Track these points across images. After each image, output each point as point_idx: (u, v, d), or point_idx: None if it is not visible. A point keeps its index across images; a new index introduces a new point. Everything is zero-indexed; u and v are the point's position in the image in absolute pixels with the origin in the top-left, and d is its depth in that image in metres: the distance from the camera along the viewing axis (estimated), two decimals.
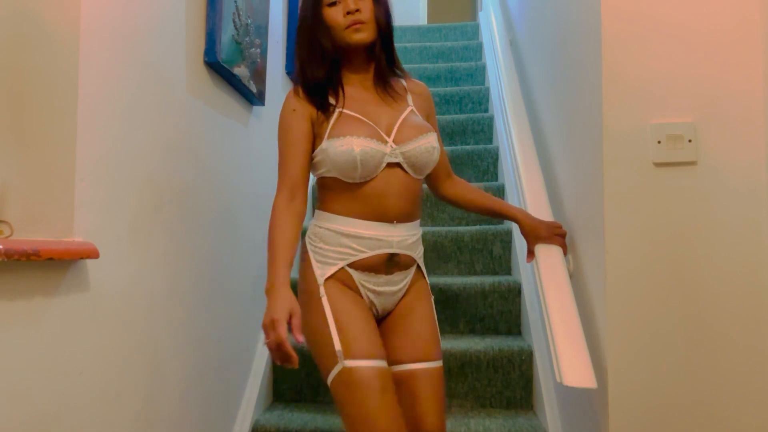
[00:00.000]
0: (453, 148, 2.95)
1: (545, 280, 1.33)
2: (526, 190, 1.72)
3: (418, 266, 1.35)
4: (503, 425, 1.76)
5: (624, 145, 1.19)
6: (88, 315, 1.06)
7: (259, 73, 1.91)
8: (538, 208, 1.62)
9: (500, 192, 2.67)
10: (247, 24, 1.78)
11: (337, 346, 1.16)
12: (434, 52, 4.09)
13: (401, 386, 1.24)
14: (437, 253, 2.48)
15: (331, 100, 1.29)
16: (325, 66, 1.29)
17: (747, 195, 1.15)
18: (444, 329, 2.24)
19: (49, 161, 1.00)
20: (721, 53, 1.17)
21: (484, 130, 3.15)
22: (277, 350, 1.11)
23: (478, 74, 3.70)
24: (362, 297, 1.27)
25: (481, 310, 2.22)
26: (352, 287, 1.26)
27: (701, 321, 1.16)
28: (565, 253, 1.41)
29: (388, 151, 1.24)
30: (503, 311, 2.22)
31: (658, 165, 1.18)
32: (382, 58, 1.33)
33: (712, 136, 1.17)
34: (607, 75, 1.20)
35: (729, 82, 1.17)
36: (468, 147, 2.96)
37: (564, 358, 1.19)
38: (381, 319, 1.33)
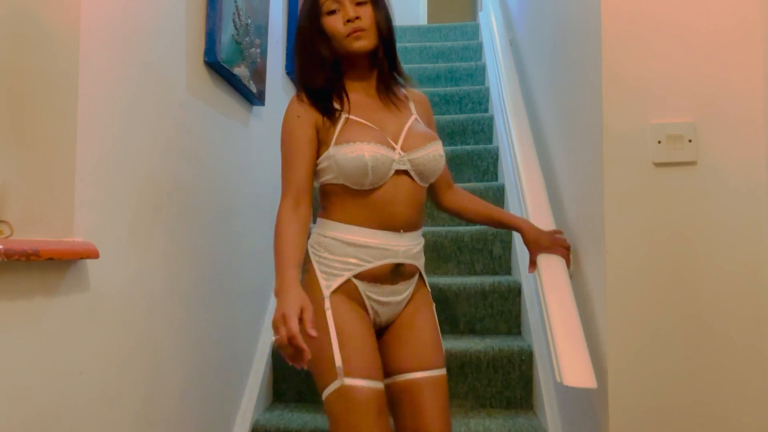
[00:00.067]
0: (453, 148, 2.95)
1: (546, 283, 1.32)
2: (526, 191, 1.72)
3: (420, 274, 1.34)
4: (503, 425, 1.76)
5: (624, 145, 1.19)
6: (88, 315, 1.06)
7: (259, 73, 1.91)
8: (539, 209, 1.62)
9: (500, 192, 2.67)
10: (247, 24, 1.78)
11: (338, 362, 1.14)
12: (434, 52, 4.09)
13: (405, 395, 1.22)
14: (437, 253, 2.48)
15: (336, 106, 1.27)
16: (325, 73, 1.28)
17: (747, 195, 1.15)
18: (444, 329, 2.24)
19: (49, 161, 1.00)
20: (721, 53, 1.17)
21: (484, 130, 3.15)
22: (289, 345, 1.07)
23: (478, 74, 3.70)
24: (366, 309, 1.26)
25: (481, 310, 2.22)
26: (356, 299, 1.24)
27: (701, 321, 1.16)
28: (568, 265, 1.39)
29: (397, 158, 1.23)
30: (503, 311, 2.22)
31: (658, 165, 1.18)
32: (384, 64, 1.32)
33: (712, 136, 1.17)
34: (607, 75, 1.20)
35: (729, 82, 1.17)
36: (468, 147, 2.96)
37: (564, 358, 1.19)
38: (384, 328, 1.31)
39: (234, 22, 1.67)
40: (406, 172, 1.25)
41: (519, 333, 2.20)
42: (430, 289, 1.39)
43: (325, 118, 1.25)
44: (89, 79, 1.05)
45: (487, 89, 3.40)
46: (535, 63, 2.10)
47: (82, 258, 1.00)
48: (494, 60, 2.90)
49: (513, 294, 2.21)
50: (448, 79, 3.74)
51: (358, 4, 1.25)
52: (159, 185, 1.32)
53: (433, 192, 1.45)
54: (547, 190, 1.70)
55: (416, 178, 1.26)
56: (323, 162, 1.25)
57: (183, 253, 1.44)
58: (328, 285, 1.23)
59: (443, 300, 2.23)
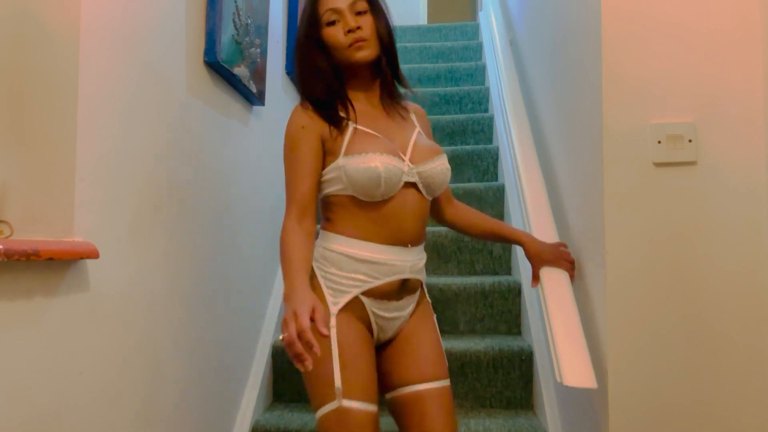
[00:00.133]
0: (453, 148, 2.95)
1: (549, 298, 1.29)
2: (526, 191, 1.72)
3: (422, 286, 1.33)
4: (503, 425, 1.76)
5: (624, 145, 1.19)
6: (88, 315, 1.06)
7: (259, 73, 1.91)
8: (539, 209, 1.62)
9: (500, 192, 2.67)
10: (247, 24, 1.78)
11: (338, 383, 1.12)
12: (434, 52, 4.09)
13: (410, 407, 1.21)
14: (437, 253, 2.48)
15: (342, 115, 1.25)
16: (327, 84, 1.25)
17: (747, 195, 1.15)
18: (444, 329, 2.24)
19: (49, 161, 1.00)
20: (721, 53, 1.17)
21: (484, 130, 3.15)
22: (296, 343, 0.99)
23: (478, 74, 3.70)
24: (371, 326, 1.23)
25: (481, 310, 2.22)
26: (362, 317, 1.21)
27: (701, 321, 1.16)
28: (572, 279, 1.36)
29: (406, 169, 1.21)
30: (503, 311, 2.22)
31: (658, 165, 1.18)
32: (388, 73, 1.30)
33: (712, 136, 1.17)
34: (607, 75, 1.20)
35: (729, 82, 1.17)
36: (468, 147, 2.96)
37: (564, 358, 1.19)
38: (386, 342, 1.29)
39: (234, 22, 1.67)
40: (414, 185, 1.23)
41: (519, 333, 2.20)
42: (428, 292, 1.37)
43: (331, 128, 1.22)
44: (89, 79, 1.05)
45: (487, 89, 3.40)
46: (535, 63, 2.10)
47: (82, 258, 1.00)
48: (494, 60, 2.90)
49: (513, 294, 2.21)
50: (448, 79, 3.74)
51: (358, 13, 1.23)
52: (159, 185, 1.32)
53: (434, 206, 1.41)
54: (547, 190, 1.70)
55: (423, 191, 1.24)
56: (330, 173, 1.21)
57: (183, 253, 1.44)
58: (335, 302, 1.19)
59: (443, 300, 2.23)
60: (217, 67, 1.61)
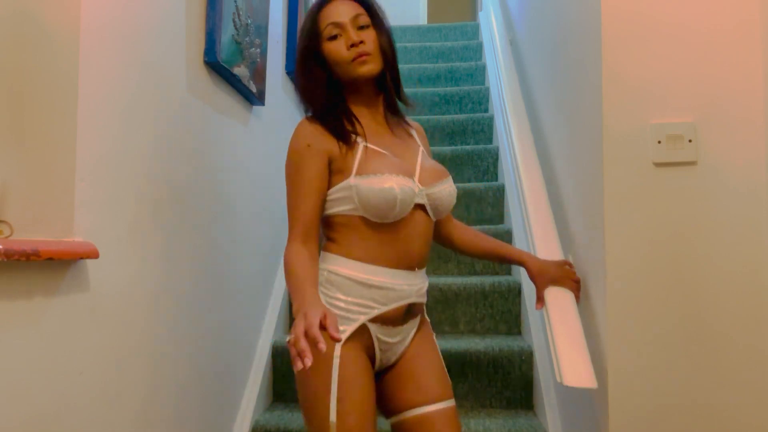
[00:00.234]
0: (453, 148, 2.95)
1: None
2: (526, 191, 1.72)
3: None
4: (503, 425, 1.76)
5: (624, 145, 1.19)
6: (88, 315, 1.06)
7: (259, 73, 1.91)
8: (539, 209, 1.62)
9: (500, 192, 2.67)
10: (247, 24, 1.78)
11: (333, 417, 1.07)
12: (434, 52, 4.09)
13: (418, 429, 1.18)
14: (437, 253, 2.48)
15: (350, 130, 1.20)
16: (330, 99, 1.22)
17: (747, 195, 1.15)
18: (444, 329, 2.24)
19: (49, 161, 1.00)
20: (721, 53, 1.17)
21: (484, 130, 3.15)
22: (304, 337, 0.91)
23: (478, 74, 3.70)
24: (374, 354, 1.19)
25: (481, 310, 2.22)
26: (366, 345, 1.16)
27: (701, 321, 1.16)
28: (577, 299, 1.32)
29: (417, 191, 1.17)
30: (503, 311, 2.22)
31: (658, 165, 1.18)
32: (392, 89, 1.27)
33: (712, 136, 1.17)
34: (607, 75, 1.20)
35: (729, 82, 1.17)
36: (468, 147, 2.96)
37: (564, 358, 1.19)
38: (389, 366, 1.24)
39: (234, 22, 1.67)
40: (422, 207, 1.20)
41: (519, 333, 2.20)
42: (428, 292, 1.35)
43: (340, 144, 1.17)
44: (89, 79, 1.05)
45: (487, 89, 3.41)
46: (535, 63, 2.10)
47: (82, 258, 1.00)
48: (494, 60, 2.90)
49: (513, 294, 2.21)
50: (448, 79, 3.74)
51: (360, 28, 1.20)
52: (159, 185, 1.32)
53: (434, 226, 1.34)
54: (547, 190, 1.70)
55: (430, 213, 1.22)
56: (339, 192, 1.16)
57: (183, 253, 1.44)
58: (341, 331, 1.13)
59: (443, 300, 2.23)
60: (217, 67, 1.61)
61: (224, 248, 1.73)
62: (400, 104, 1.32)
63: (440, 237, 1.40)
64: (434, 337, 1.31)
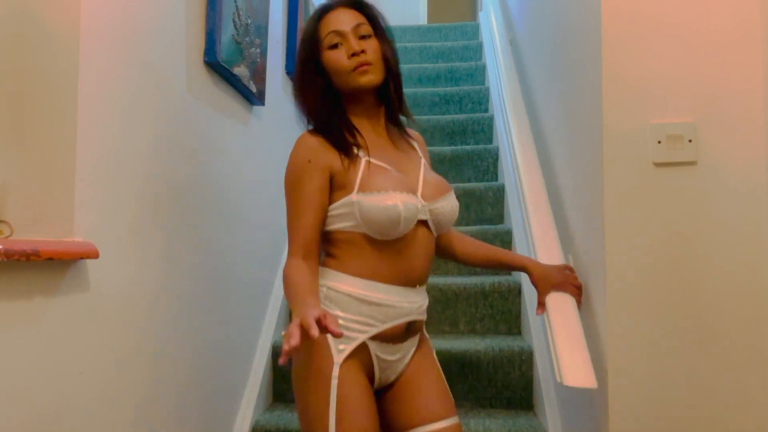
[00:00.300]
0: (453, 148, 2.95)
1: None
2: (526, 191, 1.72)
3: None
4: (503, 425, 1.76)
5: (624, 145, 1.19)
6: (88, 315, 1.06)
7: (259, 73, 1.91)
8: (539, 209, 1.62)
9: (500, 192, 2.67)
10: (247, 24, 1.78)
11: None
12: (434, 52, 4.09)
13: None
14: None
15: (350, 140, 1.18)
16: (330, 109, 1.20)
17: (747, 195, 1.15)
18: (444, 329, 2.24)
19: (49, 161, 1.00)
20: (721, 53, 1.17)
21: (484, 130, 3.15)
22: (298, 328, 0.88)
23: (478, 74, 3.70)
24: (373, 372, 1.16)
25: (481, 310, 2.22)
26: (366, 363, 1.14)
27: (701, 321, 1.16)
28: (579, 305, 1.30)
29: (420, 206, 1.15)
30: (503, 311, 2.22)
31: (658, 165, 1.18)
32: (394, 101, 1.24)
33: (712, 136, 1.17)
34: (607, 75, 1.20)
35: (729, 82, 1.17)
36: (468, 147, 2.96)
37: (564, 358, 1.19)
38: (389, 384, 1.22)
39: (234, 22, 1.67)
40: (424, 222, 1.17)
41: (519, 333, 2.20)
42: (428, 292, 1.33)
43: (342, 157, 1.14)
44: (89, 79, 1.05)
45: (487, 89, 3.41)
46: (535, 63, 2.10)
47: (82, 258, 1.00)
48: (494, 60, 2.90)
49: (513, 294, 2.21)
50: (448, 79, 3.74)
51: (362, 37, 1.17)
52: (159, 185, 1.32)
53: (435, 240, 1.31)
54: (547, 190, 1.70)
55: (432, 229, 1.19)
56: (340, 208, 1.13)
57: (183, 253, 1.44)
58: (340, 349, 1.10)
59: (443, 300, 2.23)
60: (217, 67, 1.61)
61: (224, 248, 1.73)
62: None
63: (440, 249, 1.36)
64: (434, 354, 1.28)
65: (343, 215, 1.13)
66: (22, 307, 0.91)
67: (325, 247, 1.19)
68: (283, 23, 2.37)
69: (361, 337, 1.12)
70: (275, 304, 2.22)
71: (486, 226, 2.52)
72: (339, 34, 1.17)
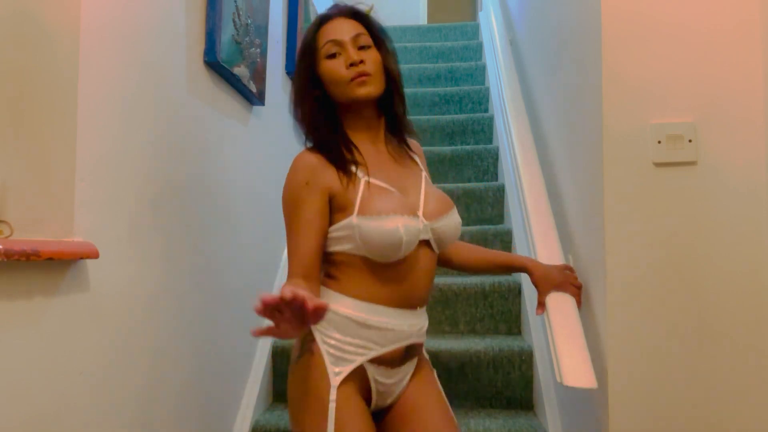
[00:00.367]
0: (453, 148, 2.95)
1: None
2: (526, 191, 1.72)
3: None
4: (503, 425, 1.76)
5: (624, 145, 1.19)
6: (88, 315, 1.06)
7: (259, 73, 1.91)
8: (539, 209, 1.62)
9: (500, 192, 2.67)
10: (247, 24, 1.78)
11: None
12: (434, 52, 4.09)
13: None
14: None
15: (350, 163, 1.13)
16: (328, 124, 1.16)
17: (747, 195, 1.15)
18: (444, 329, 2.24)
19: (49, 161, 1.00)
20: (721, 53, 1.17)
21: (484, 130, 3.15)
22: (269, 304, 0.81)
23: (478, 74, 3.70)
24: (371, 395, 1.14)
25: (481, 310, 2.22)
26: (363, 386, 1.11)
27: (701, 321, 1.16)
28: (579, 305, 1.30)
29: (421, 227, 1.11)
30: (503, 311, 2.21)
31: (658, 165, 1.18)
32: (397, 113, 1.20)
33: (712, 136, 1.17)
34: (607, 75, 1.20)
35: (729, 82, 1.17)
36: (468, 147, 2.96)
37: (564, 358, 1.19)
38: (388, 407, 1.19)
39: (234, 22, 1.67)
40: (426, 242, 1.14)
41: (519, 333, 2.20)
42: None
43: (341, 176, 1.10)
44: (89, 79, 1.05)
45: (487, 89, 3.41)
46: (535, 63, 2.10)
47: (82, 258, 1.00)
48: (494, 60, 2.90)
49: (513, 294, 2.21)
50: (448, 79, 3.74)
51: (361, 48, 1.14)
52: (159, 185, 1.32)
53: None
54: (547, 190, 1.70)
55: (434, 247, 1.16)
56: (339, 231, 1.10)
57: (183, 252, 1.44)
58: (337, 372, 1.08)
59: (443, 300, 2.23)
60: (217, 67, 1.61)
61: (224, 248, 1.73)
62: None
63: (440, 258, 1.30)
64: (435, 375, 1.25)
65: (343, 238, 1.10)
66: (22, 307, 0.91)
67: (325, 267, 1.16)
68: (283, 23, 2.38)
69: (359, 360, 1.09)
70: None
71: (486, 226, 2.52)
72: (337, 43, 1.14)
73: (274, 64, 2.19)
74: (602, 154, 1.21)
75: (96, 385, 1.08)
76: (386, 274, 1.10)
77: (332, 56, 1.14)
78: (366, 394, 1.13)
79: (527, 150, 1.89)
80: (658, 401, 1.16)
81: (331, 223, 1.11)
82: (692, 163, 1.17)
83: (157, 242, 1.31)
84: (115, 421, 1.14)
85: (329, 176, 1.10)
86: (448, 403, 1.21)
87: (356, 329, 1.09)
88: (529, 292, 2.10)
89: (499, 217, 2.67)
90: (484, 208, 2.67)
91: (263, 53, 1.94)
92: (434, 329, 2.23)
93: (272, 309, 0.80)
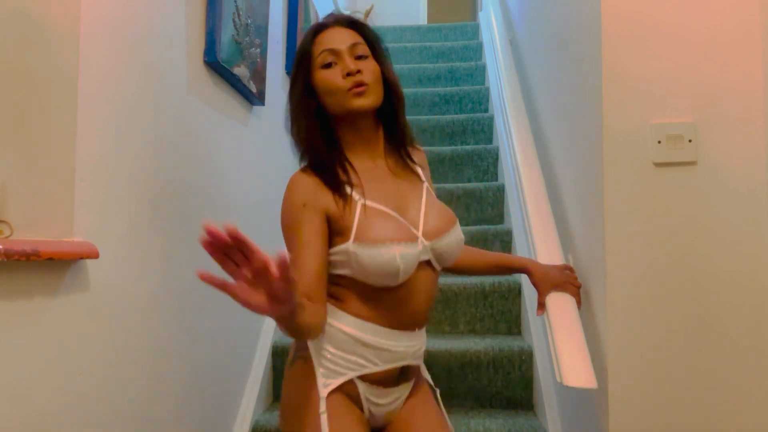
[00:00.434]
0: (453, 148, 2.95)
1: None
2: (526, 191, 1.72)
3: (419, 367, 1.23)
4: (503, 425, 1.76)
5: (624, 145, 1.19)
6: (88, 315, 1.06)
7: (259, 73, 1.91)
8: (539, 209, 1.62)
9: (500, 192, 2.67)
10: (247, 24, 1.78)
11: None
12: (434, 52, 4.09)
13: None
14: None
15: (345, 183, 1.09)
16: (324, 140, 1.12)
17: (747, 195, 1.15)
18: (444, 329, 2.24)
19: (49, 161, 1.00)
20: (721, 53, 1.17)
21: (484, 130, 3.15)
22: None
23: (478, 74, 3.70)
24: (363, 411, 1.11)
25: (481, 310, 2.22)
26: (355, 400, 1.09)
27: (701, 321, 1.16)
28: (579, 305, 1.30)
29: (421, 248, 1.07)
30: (503, 311, 2.21)
31: (658, 165, 1.18)
32: (396, 125, 1.16)
33: (712, 136, 1.17)
34: (607, 75, 1.20)
35: (729, 82, 1.17)
36: (468, 147, 2.96)
37: (564, 358, 1.19)
38: (382, 428, 1.18)
39: (234, 22, 1.67)
40: (427, 262, 1.10)
41: (519, 333, 2.20)
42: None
43: (337, 198, 1.06)
44: (89, 79, 1.05)
45: (487, 89, 3.41)
46: (535, 63, 2.11)
47: (82, 258, 1.00)
48: (494, 60, 2.90)
49: (513, 294, 2.21)
50: (448, 79, 3.74)
51: (358, 57, 1.10)
52: (159, 185, 1.32)
53: None
54: (547, 190, 1.70)
55: (436, 265, 1.13)
56: (338, 255, 1.07)
57: (183, 252, 1.44)
58: (326, 384, 1.06)
59: (443, 300, 2.23)
60: (217, 67, 1.61)
61: None
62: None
63: None
64: (433, 397, 1.22)
65: (341, 262, 1.07)
66: (22, 307, 0.91)
67: (328, 287, 1.12)
68: (283, 23, 2.38)
69: (350, 375, 1.07)
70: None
71: (486, 226, 2.52)
72: (333, 52, 1.09)
73: (274, 64, 2.19)
74: (602, 154, 1.21)
75: (96, 385, 1.08)
76: (385, 297, 1.08)
77: (328, 66, 1.10)
78: (359, 408, 1.11)
79: (527, 150, 1.89)
80: (658, 401, 1.16)
81: (330, 244, 1.08)
82: (692, 163, 1.17)
83: (157, 242, 1.31)
84: (115, 421, 1.14)
85: (326, 198, 1.07)
86: (448, 423, 1.19)
87: (351, 345, 1.07)
88: (529, 292, 2.10)
89: (499, 217, 2.67)
90: (484, 208, 2.67)
91: (263, 53, 1.94)
92: (434, 329, 2.23)
93: (218, 247, 0.76)
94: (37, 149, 0.99)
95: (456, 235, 1.14)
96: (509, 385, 1.94)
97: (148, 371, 1.27)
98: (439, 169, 2.90)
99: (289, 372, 1.13)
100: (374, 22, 5.10)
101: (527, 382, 1.94)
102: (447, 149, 2.93)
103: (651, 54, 1.19)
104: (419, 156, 1.25)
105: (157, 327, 1.31)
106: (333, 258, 1.08)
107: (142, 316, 1.25)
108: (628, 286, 1.18)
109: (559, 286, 1.29)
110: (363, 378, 1.09)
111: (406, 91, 3.46)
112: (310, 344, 1.09)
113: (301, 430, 1.07)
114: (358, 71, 1.08)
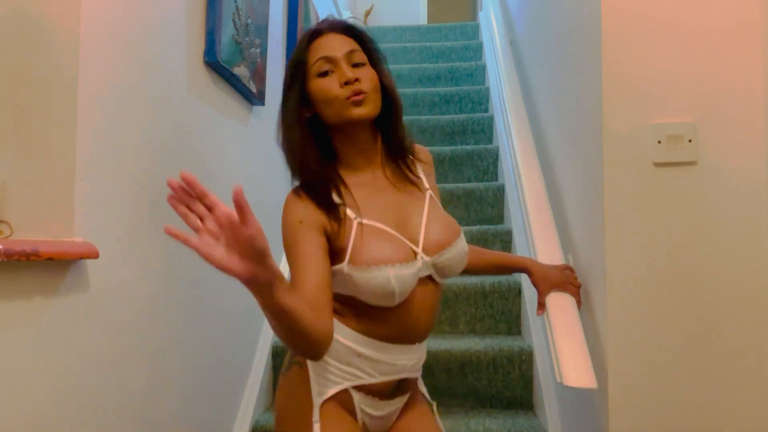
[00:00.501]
0: (453, 148, 2.95)
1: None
2: (526, 191, 1.72)
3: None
4: (503, 425, 1.76)
5: (624, 145, 1.19)
6: (88, 315, 1.06)
7: (259, 73, 1.91)
8: (539, 209, 1.62)
9: (500, 192, 2.67)
10: (247, 24, 1.78)
11: None
12: (434, 52, 4.09)
13: None
14: None
15: (337, 199, 1.05)
16: (319, 157, 1.08)
17: (747, 195, 1.15)
18: (444, 329, 2.24)
19: (49, 161, 1.00)
20: (721, 53, 1.17)
21: (484, 130, 3.15)
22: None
23: (478, 74, 3.70)
24: (357, 421, 1.09)
25: (481, 310, 2.22)
26: (349, 410, 1.07)
27: (701, 321, 1.16)
28: (579, 305, 1.30)
29: (420, 264, 1.04)
30: (503, 311, 2.21)
31: (658, 165, 1.18)
32: (395, 135, 1.12)
33: (712, 136, 1.17)
34: (607, 75, 1.20)
35: (729, 82, 1.17)
36: (468, 147, 2.96)
37: (564, 358, 1.19)
38: None
39: (234, 22, 1.67)
40: (428, 277, 1.07)
41: (519, 333, 2.20)
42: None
43: (331, 220, 1.03)
44: (89, 79, 1.05)
45: (487, 89, 3.41)
46: (535, 63, 2.11)
47: (82, 258, 1.00)
48: (494, 60, 2.90)
49: (513, 294, 2.21)
50: (448, 79, 3.74)
51: (355, 65, 1.05)
52: (159, 185, 1.32)
53: None
54: (547, 191, 1.70)
55: (437, 279, 1.09)
56: (335, 274, 1.04)
57: (183, 252, 1.44)
58: (320, 392, 1.04)
59: (443, 300, 2.23)
60: (217, 67, 1.61)
61: None
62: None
63: None
64: (431, 411, 1.19)
65: (339, 281, 1.04)
66: (22, 307, 0.91)
67: None
68: (283, 23, 2.38)
69: (345, 384, 1.05)
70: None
71: (486, 226, 2.52)
72: (330, 60, 1.05)
73: (274, 64, 2.19)
74: (602, 154, 1.21)
75: (96, 385, 1.08)
76: (385, 313, 1.05)
77: (324, 74, 1.05)
78: (353, 418, 1.09)
79: (527, 150, 1.89)
80: (657, 401, 1.16)
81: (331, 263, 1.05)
82: (692, 163, 1.17)
83: (157, 242, 1.31)
84: (115, 421, 1.14)
85: (320, 216, 1.04)
86: (441, 428, 1.17)
87: (349, 357, 1.05)
88: (529, 292, 2.10)
89: (499, 217, 2.67)
90: (484, 208, 2.67)
91: (263, 53, 1.94)
92: (434, 329, 2.22)
93: (180, 199, 0.75)
94: (37, 149, 0.99)
95: (460, 247, 1.10)
96: (509, 385, 1.94)
97: (148, 371, 1.27)
98: (439, 169, 2.89)
99: (283, 379, 1.11)
100: (374, 22, 5.10)
101: (527, 382, 1.94)
102: (447, 149, 2.93)
103: (651, 54, 1.19)
104: (424, 155, 1.21)
105: (157, 327, 1.31)
106: (333, 276, 1.05)
107: (142, 316, 1.25)
108: (628, 286, 1.18)
109: (559, 286, 1.29)
110: (359, 388, 1.06)
111: (406, 91, 3.47)
112: None
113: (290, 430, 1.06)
114: (356, 80, 1.03)
